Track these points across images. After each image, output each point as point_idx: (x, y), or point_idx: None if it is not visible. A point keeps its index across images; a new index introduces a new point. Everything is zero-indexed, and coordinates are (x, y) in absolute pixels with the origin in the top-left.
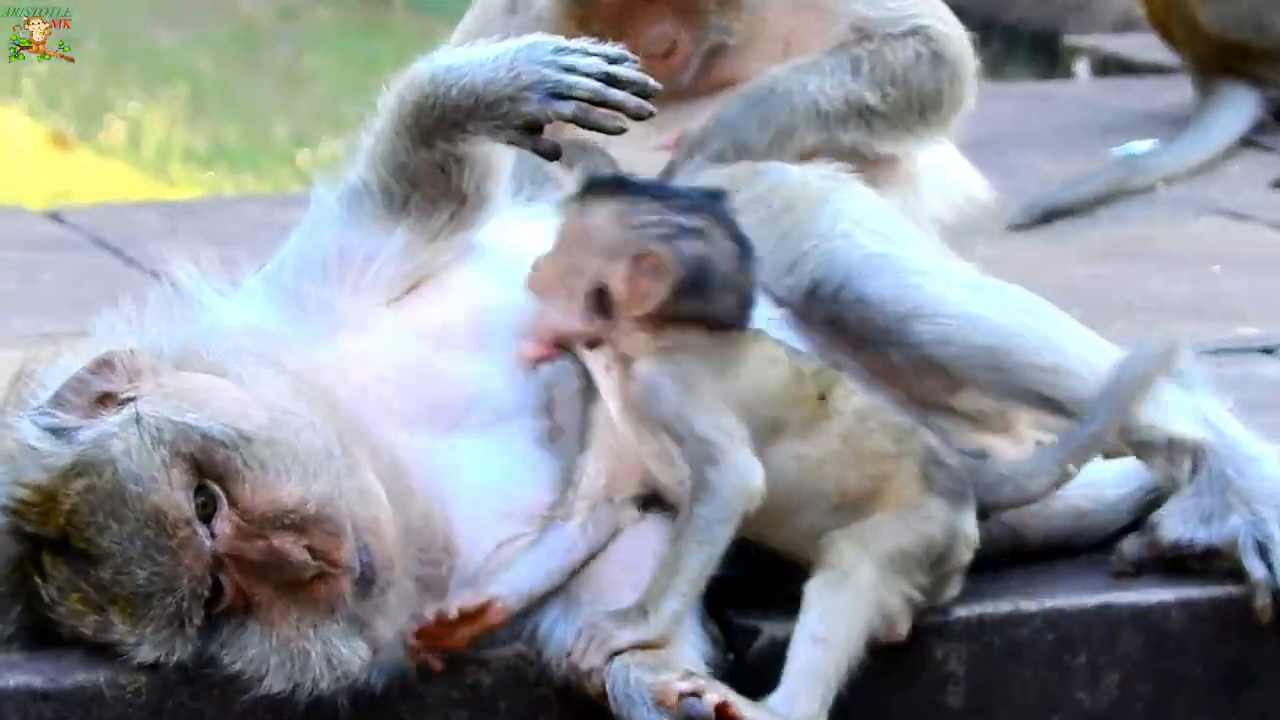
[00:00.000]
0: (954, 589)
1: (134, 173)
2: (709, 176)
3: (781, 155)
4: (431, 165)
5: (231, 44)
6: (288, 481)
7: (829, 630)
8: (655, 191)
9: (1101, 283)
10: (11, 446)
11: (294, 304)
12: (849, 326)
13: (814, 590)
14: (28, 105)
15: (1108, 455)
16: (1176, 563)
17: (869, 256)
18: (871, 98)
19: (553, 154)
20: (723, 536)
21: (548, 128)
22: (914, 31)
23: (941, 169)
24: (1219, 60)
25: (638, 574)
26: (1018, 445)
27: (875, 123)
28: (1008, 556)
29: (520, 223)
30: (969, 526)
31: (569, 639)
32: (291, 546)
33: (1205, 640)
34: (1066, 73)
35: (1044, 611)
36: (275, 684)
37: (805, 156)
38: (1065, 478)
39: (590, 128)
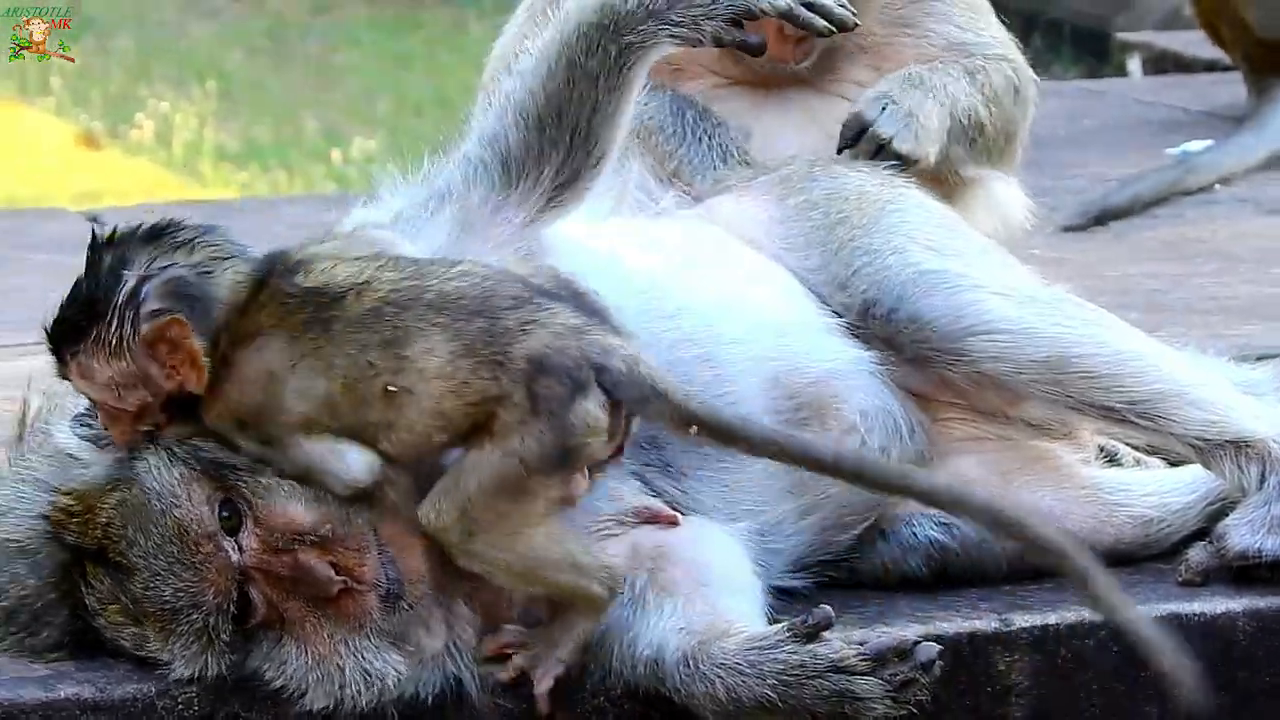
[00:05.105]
0: (581, 483)
1: (164, 171)
2: (768, 178)
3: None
4: (573, 103)
5: (262, 39)
6: (301, 500)
7: None
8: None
9: (1159, 283)
10: (52, 454)
11: None
12: (905, 346)
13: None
14: (56, 104)
15: (1173, 462)
16: (1244, 572)
17: (923, 274)
18: (985, 115)
19: (758, 50)
20: None
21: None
22: (1004, 59)
23: (992, 184)
24: (1269, 60)
25: (704, 573)
26: (1081, 452)
27: (978, 142)
28: None
29: (576, 221)
30: (584, 413)
31: (652, 640)
32: (315, 562)
33: (1274, 651)
34: (1117, 69)
35: (1109, 622)
36: (316, 700)
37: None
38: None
39: (800, 25)
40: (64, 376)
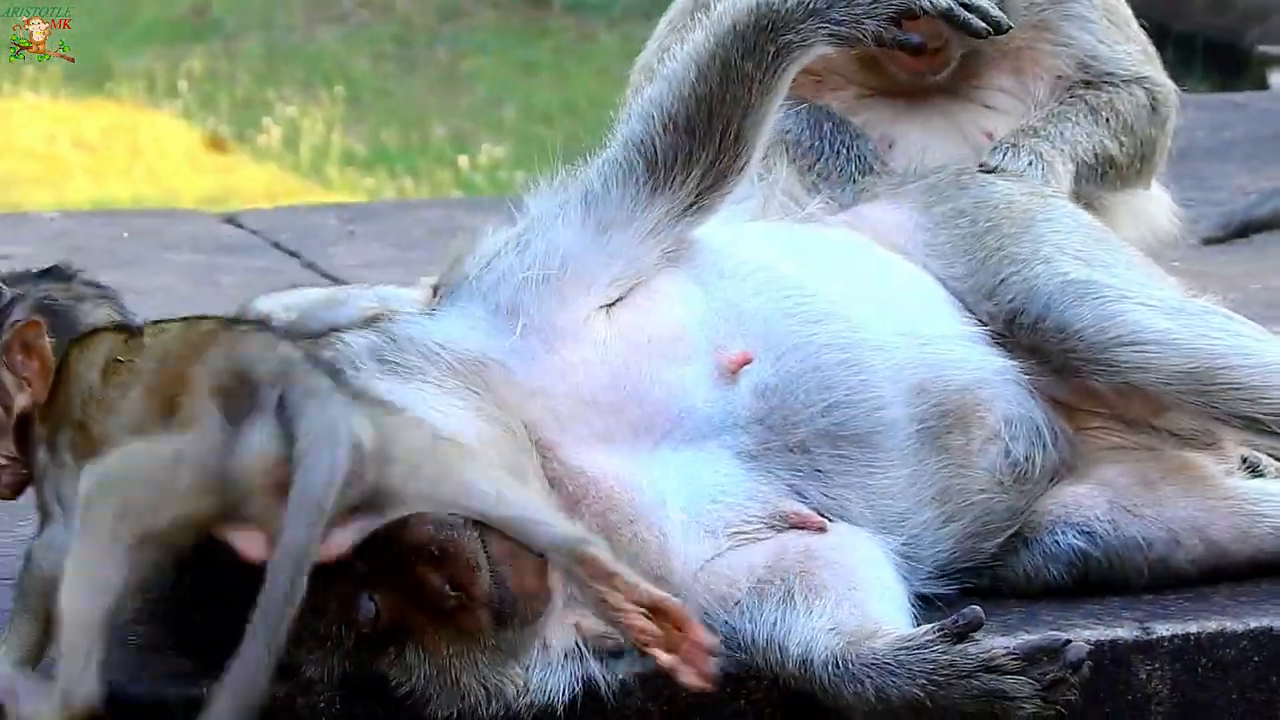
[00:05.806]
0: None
1: (290, 176)
2: (915, 185)
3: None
4: (725, 105)
5: (390, 45)
6: (422, 515)
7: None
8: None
9: None
10: None
11: (508, 319)
12: (1051, 355)
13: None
14: (183, 107)
15: None
16: None
17: (1070, 283)
18: (1114, 148)
19: (919, 49)
20: None
21: None
22: (1138, 80)
23: (1134, 200)
24: None
25: (852, 576)
26: (1224, 462)
27: (1109, 174)
28: (1214, 576)
29: (723, 224)
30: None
31: (802, 639)
32: (431, 577)
33: None
34: (1254, 83)
35: (1250, 631)
36: (440, 708)
37: None
38: None
39: (958, 25)
40: None
